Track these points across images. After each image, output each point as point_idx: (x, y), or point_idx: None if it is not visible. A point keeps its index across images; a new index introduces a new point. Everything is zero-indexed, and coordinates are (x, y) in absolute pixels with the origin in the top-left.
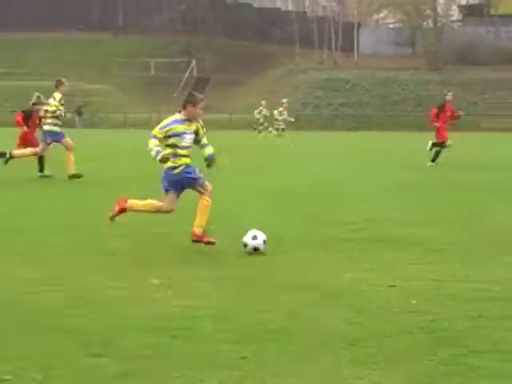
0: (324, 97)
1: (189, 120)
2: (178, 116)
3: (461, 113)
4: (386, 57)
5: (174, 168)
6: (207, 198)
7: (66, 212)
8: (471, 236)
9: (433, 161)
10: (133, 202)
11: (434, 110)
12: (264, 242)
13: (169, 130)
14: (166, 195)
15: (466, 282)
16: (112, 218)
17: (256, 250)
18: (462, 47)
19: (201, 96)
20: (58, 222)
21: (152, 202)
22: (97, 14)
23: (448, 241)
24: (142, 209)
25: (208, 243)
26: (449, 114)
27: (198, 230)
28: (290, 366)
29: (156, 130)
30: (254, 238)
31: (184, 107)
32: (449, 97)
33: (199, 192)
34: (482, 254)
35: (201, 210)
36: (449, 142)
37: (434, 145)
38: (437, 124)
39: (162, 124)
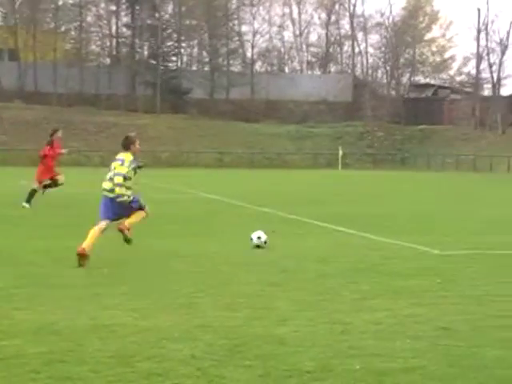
0: None
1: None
2: (129, 155)
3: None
4: None
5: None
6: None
7: None
8: None
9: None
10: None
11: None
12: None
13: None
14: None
15: None
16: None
17: (258, 246)
18: None
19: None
20: None
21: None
22: None
23: None
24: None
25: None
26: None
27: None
28: None
29: (126, 169)
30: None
31: (128, 147)
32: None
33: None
34: None
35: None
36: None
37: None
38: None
39: (129, 164)
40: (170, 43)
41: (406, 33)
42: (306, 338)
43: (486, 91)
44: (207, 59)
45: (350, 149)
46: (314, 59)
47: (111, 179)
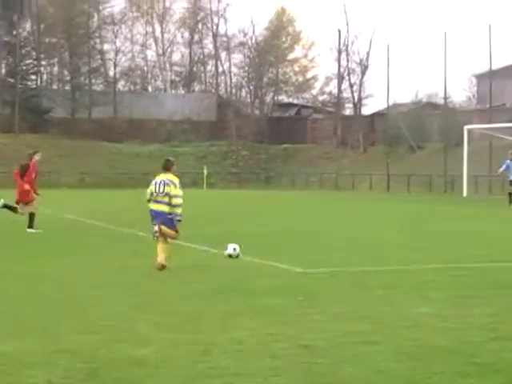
0: None
1: None
2: (175, 177)
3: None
4: None
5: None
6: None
7: None
8: None
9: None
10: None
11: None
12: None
13: None
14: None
15: None
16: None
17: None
18: None
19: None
20: None
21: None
22: None
23: None
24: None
25: None
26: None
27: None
28: None
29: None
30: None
31: (169, 169)
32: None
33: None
34: None
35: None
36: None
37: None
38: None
39: (178, 184)
40: (28, 61)
41: (269, 53)
42: (166, 360)
43: (348, 111)
44: (68, 78)
45: (214, 168)
46: (177, 78)
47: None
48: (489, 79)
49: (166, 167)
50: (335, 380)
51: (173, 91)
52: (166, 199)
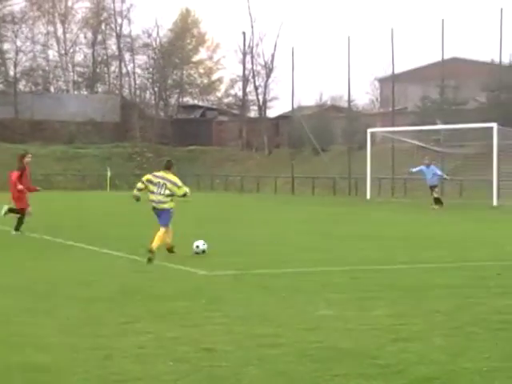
0: None
1: None
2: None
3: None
4: None
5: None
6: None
7: None
8: None
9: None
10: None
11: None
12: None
13: None
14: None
15: None
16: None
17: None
18: None
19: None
20: None
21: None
22: None
23: None
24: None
25: None
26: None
27: None
28: None
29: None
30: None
31: (169, 168)
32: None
33: None
34: None
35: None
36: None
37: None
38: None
39: (179, 182)
40: None
41: (174, 54)
42: (67, 365)
43: (253, 113)
44: None
45: (118, 170)
46: (80, 79)
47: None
48: (391, 83)
49: (167, 166)
50: (238, 383)
51: (76, 92)
52: (169, 198)
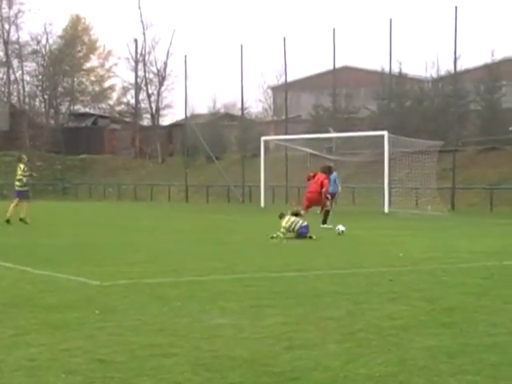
0: None
1: None
2: None
3: None
4: None
5: None
6: None
7: None
8: None
9: None
10: None
11: None
12: None
13: None
14: None
15: None
16: None
17: None
18: None
19: None
20: None
21: None
22: None
23: None
24: None
25: None
26: None
27: None
28: None
29: None
30: None
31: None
32: None
33: None
34: None
35: None
36: None
37: None
38: None
39: None
40: None
41: (64, 61)
42: None
43: (146, 121)
44: None
45: (7, 179)
46: None
47: None
48: (284, 91)
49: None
50: None
51: None
52: None
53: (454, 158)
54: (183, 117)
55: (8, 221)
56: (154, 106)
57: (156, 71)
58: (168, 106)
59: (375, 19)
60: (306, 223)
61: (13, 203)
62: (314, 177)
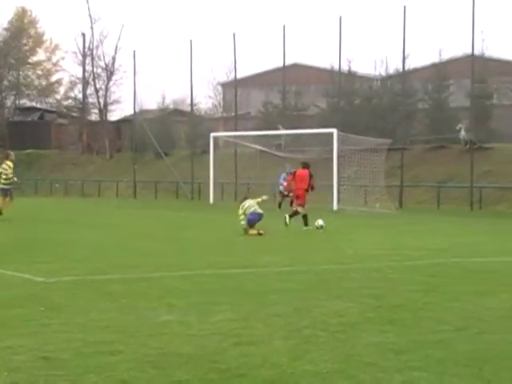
0: None
1: None
2: None
3: None
4: None
5: None
6: None
7: None
8: None
9: None
10: None
11: None
12: None
13: None
14: None
15: None
16: None
17: None
18: None
19: None
20: None
21: None
22: None
23: None
24: None
25: None
26: None
27: None
28: None
29: None
30: None
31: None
32: None
33: None
34: None
35: None
36: None
37: None
38: None
39: None
40: None
41: (10, 54)
42: None
43: (94, 116)
44: None
45: None
46: None
47: None
48: (234, 88)
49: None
50: None
51: None
52: None
53: (402, 156)
54: (132, 112)
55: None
56: (102, 100)
57: (104, 66)
58: (116, 102)
59: (325, 17)
60: (260, 211)
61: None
62: (294, 174)
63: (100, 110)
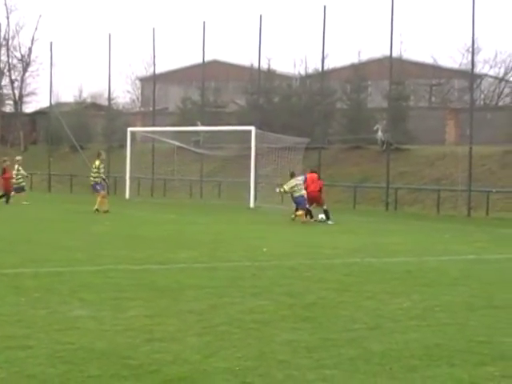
0: None
1: None
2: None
3: None
4: None
5: None
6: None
7: None
8: None
9: None
10: None
11: None
12: None
13: None
14: None
15: None
16: None
17: None
18: None
19: None
20: None
21: None
22: None
23: None
24: None
25: None
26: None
27: None
28: None
29: None
30: None
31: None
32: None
33: None
34: None
35: None
36: None
37: None
38: None
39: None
40: None
41: None
42: None
43: (8, 108)
44: None
45: None
46: None
47: None
48: (152, 83)
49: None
50: None
51: None
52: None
53: (320, 155)
54: (48, 105)
55: None
56: (17, 92)
57: (20, 57)
58: (32, 93)
59: (246, 14)
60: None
61: None
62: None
63: (15, 102)
